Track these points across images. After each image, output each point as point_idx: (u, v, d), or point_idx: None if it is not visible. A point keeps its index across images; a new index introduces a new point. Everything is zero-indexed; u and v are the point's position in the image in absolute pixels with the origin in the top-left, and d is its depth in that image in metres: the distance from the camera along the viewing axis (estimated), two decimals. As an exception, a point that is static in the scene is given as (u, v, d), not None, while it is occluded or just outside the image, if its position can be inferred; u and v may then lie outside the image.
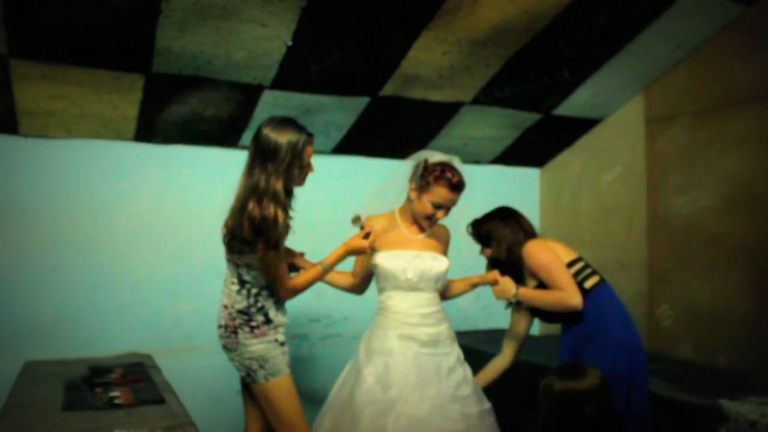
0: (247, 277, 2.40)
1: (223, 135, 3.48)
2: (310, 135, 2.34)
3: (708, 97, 3.51)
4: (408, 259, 2.50)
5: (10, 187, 3.16)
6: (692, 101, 3.59)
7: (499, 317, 3.08)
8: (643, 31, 3.27)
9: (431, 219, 2.52)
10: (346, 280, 2.72)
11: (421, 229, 2.60)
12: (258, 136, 2.31)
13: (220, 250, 3.48)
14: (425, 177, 2.47)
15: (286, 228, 2.29)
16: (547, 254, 2.57)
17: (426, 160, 2.51)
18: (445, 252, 2.66)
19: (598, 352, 2.42)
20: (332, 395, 2.55)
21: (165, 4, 2.52)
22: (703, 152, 3.53)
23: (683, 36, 3.41)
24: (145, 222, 3.41)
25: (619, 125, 4.02)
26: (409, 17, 2.88)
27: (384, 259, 2.51)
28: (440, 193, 2.45)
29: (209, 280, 3.51)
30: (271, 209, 2.22)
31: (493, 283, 2.63)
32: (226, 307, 2.43)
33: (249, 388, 2.47)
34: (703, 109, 3.54)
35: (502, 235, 2.69)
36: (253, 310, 2.38)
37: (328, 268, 2.44)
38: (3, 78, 2.77)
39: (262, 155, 2.28)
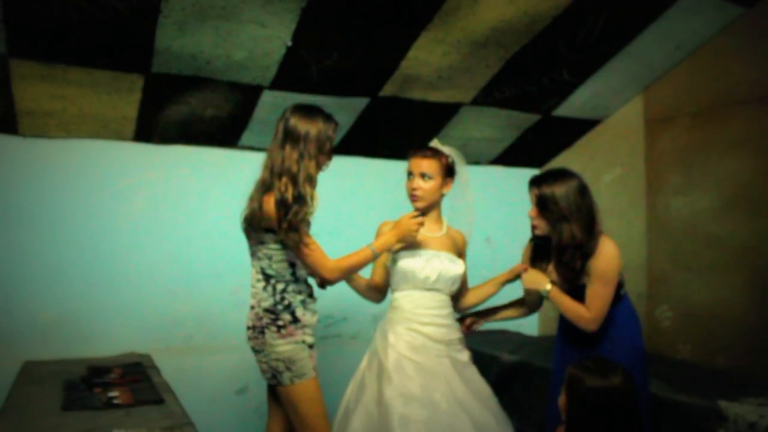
0: (270, 272, 2.36)
1: (222, 135, 3.48)
2: (337, 123, 2.41)
3: (707, 98, 3.51)
4: (427, 258, 2.53)
5: (10, 187, 3.16)
6: (692, 102, 3.59)
7: (499, 318, 3.07)
8: (643, 32, 3.27)
9: (410, 191, 2.55)
10: (371, 286, 2.65)
11: (441, 225, 2.64)
12: (286, 123, 2.34)
13: (220, 250, 3.51)
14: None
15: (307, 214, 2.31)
16: (615, 273, 2.37)
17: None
18: (461, 257, 2.66)
19: (619, 355, 2.37)
20: (350, 400, 2.52)
21: (164, 4, 2.52)
22: (702, 153, 3.53)
23: (683, 37, 3.41)
24: (144, 222, 3.41)
25: (619, 126, 4.02)
26: (409, 18, 2.88)
27: (401, 259, 2.53)
28: (410, 164, 2.56)
29: (208, 280, 3.52)
30: (307, 190, 2.27)
31: (523, 272, 2.57)
32: (252, 307, 2.40)
33: (274, 390, 2.45)
34: (703, 110, 3.54)
35: (576, 211, 2.36)
36: (279, 308, 2.34)
37: (378, 253, 2.41)
38: (2, 78, 2.77)
39: (294, 140, 2.31)
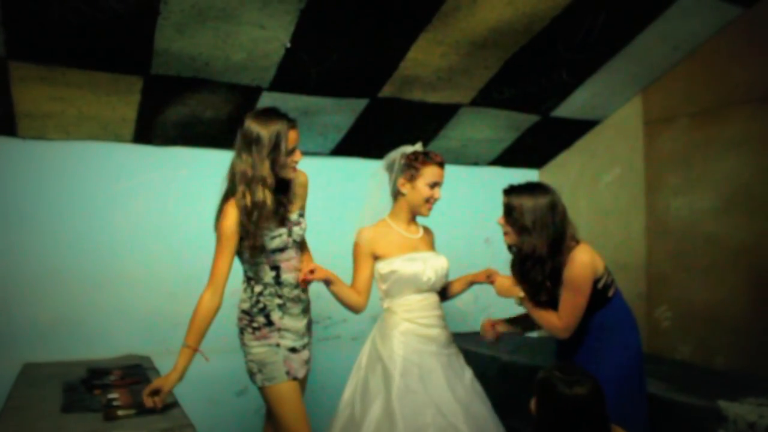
0: (250, 273, 2.42)
1: (221, 137, 3.48)
2: (292, 120, 2.33)
3: (706, 98, 3.52)
4: (424, 260, 2.53)
5: (9, 189, 3.16)
6: (690, 103, 3.59)
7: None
8: (642, 33, 3.28)
9: (430, 200, 2.56)
10: (356, 297, 2.54)
11: (417, 226, 2.65)
12: (242, 128, 2.33)
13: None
14: (411, 166, 2.54)
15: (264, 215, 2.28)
16: (586, 282, 2.34)
17: (402, 154, 2.59)
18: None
19: (613, 356, 2.40)
20: (356, 409, 2.47)
21: (163, 6, 2.52)
22: (701, 153, 3.54)
23: (681, 37, 3.41)
24: (143, 224, 3.41)
25: (618, 127, 4.02)
26: (408, 19, 2.89)
27: (402, 265, 2.50)
28: (431, 172, 2.53)
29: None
30: (260, 194, 2.25)
31: (490, 281, 2.58)
32: (238, 307, 2.46)
33: None
34: (702, 110, 3.54)
35: (541, 227, 2.35)
36: (255, 310, 2.39)
37: (186, 358, 2.30)
38: (2, 80, 2.77)
39: (248, 145, 2.28)
